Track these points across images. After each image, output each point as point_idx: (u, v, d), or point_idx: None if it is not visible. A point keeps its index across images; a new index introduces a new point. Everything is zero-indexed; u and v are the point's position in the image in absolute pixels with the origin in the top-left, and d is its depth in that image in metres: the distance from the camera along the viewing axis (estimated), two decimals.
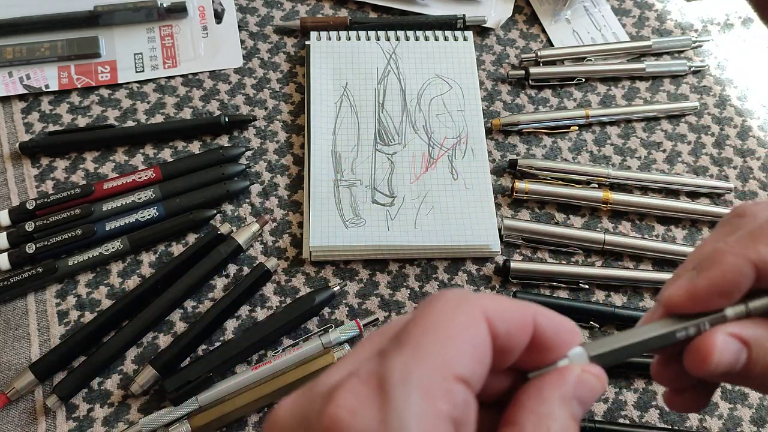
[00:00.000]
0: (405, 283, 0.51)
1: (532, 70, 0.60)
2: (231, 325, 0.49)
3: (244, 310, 0.50)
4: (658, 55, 0.63)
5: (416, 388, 0.20)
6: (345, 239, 0.51)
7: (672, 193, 0.56)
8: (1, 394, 0.46)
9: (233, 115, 0.57)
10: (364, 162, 0.55)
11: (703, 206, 0.54)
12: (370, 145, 0.56)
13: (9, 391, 0.46)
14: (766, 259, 0.26)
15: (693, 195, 0.56)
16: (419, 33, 0.61)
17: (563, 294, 0.51)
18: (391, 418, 0.19)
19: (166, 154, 0.56)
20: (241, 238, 0.51)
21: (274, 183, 0.55)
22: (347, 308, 0.50)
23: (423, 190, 0.54)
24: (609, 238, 0.52)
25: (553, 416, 0.22)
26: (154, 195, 0.53)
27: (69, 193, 0.52)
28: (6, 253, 0.50)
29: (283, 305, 0.50)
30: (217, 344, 0.48)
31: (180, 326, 0.49)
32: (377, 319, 0.49)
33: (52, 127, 0.57)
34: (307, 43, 0.61)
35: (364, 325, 0.49)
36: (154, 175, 0.54)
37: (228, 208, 0.54)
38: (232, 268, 0.52)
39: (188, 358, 0.48)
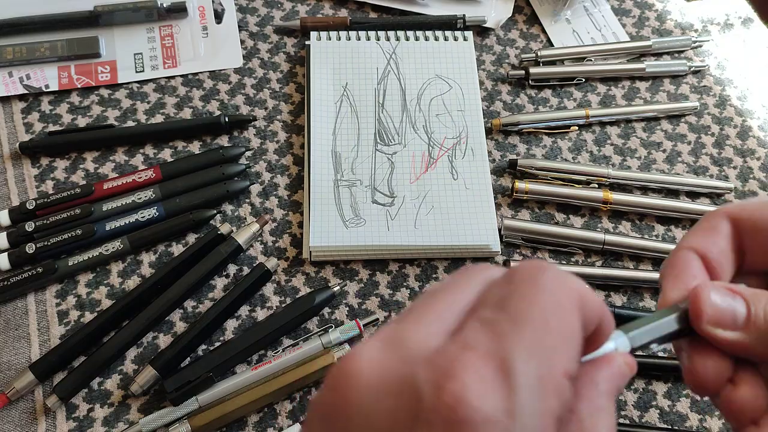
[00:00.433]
0: (405, 283, 0.51)
1: (532, 70, 0.60)
2: (231, 325, 0.49)
3: (244, 310, 0.50)
4: (658, 55, 0.63)
5: (539, 382, 0.19)
6: (345, 239, 0.51)
7: (672, 193, 0.56)
8: (1, 394, 0.46)
9: (233, 115, 0.57)
10: (364, 162, 0.55)
11: (703, 206, 0.54)
12: (370, 145, 0.56)
13: (9, 391, 0.46)
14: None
15: (693, 195, 0.56)
16: (419, 33, 0.61)
17: None
18: (517, 410, 0.18)
19: (166, 154, 0.56)
20: (241, 238, 0.51)
21: (274, 183, 0.55)
22: (347, 308, 0.50)
23: (423, 190, 0.54)
24: (609, 238, 0.52)
25: (607, 409, 0.22)
26: (154, 195, 0.53)
27: (69, 193, 0.52)
28: (6, 253, 0.50)
29: (283, 305, 0.50)
30: (217, 344, 0.48)
31: (180, 326, 0.49)
32: (377, 319, 0.49)
33: (52, 127, 0.57)
34: (307, 43, 0.61)
35: (364, 325, 0.49)
36: (154, 175, 0.54)
37: (228, 208, 0.54)
38: (232, 268, 0.52)
39: (188, 358, 0.48)
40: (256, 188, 0.55)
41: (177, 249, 0.52)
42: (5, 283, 0.49)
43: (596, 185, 0.55)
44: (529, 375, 0.18)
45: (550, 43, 0.63)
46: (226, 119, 0.56)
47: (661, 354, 0.49)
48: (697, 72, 0.62)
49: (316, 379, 0.47)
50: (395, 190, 0.54)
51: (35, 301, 0.50)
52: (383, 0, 0.64)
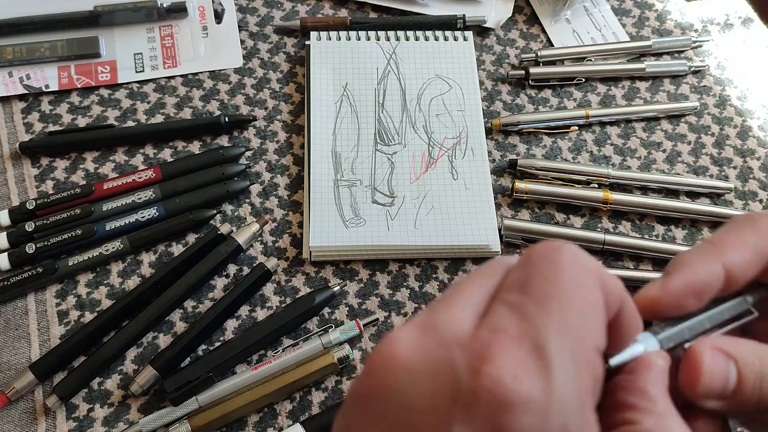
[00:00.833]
0: (405, 283, 0.51)
1: (532, 70, 0.60)
2: (231, 325, 0.49)
3: (244, 310, 0.50)
4: (658, 55, 0.63)
5: (572, 360, 0.19)
6: (345, 239, 0.51)
7: (672, 193, 0.56)
8: (1, 394, 0.46)
9: (233, 115, 0.57)
10: (364, 162, 0.55)
11: (703, 206, 0.54)
12: (370, 145, 0.56)
13: (9, 391, 0.46)
14: (735, 262, 0.25)
15: (693, 195, 0.56)
16: (419, 33, 0.61)
17: None
18: (553, 389, 0.18)
19: (166, 154, 0.56)
20: (241, 238, 0.51)
21: (274, 183, 0.55)
22: (347, 308, 0.50)
23: (423, 190, 0.54)
24: (609, 238, 0.52)
25: (670, 411, 0.22)
26: (154, 195, 0.53)
27: (69, 193, 0.52)
28: (6, 253, 0.50)
29: (283, 305, 0.50)
30: (217, 344, 0.48)
31: (180, 326, 0.49)
32: (377, 318, 0.49)
33: (52, 127, 0.57)
34: (307, 43, 0.61)
35: (364, 325, 0.49)
36: (154, 175, 0.54)
37: (228, 208, 0.54)
38: (232, 268, 0.52)
39: (188, 358, 0.48)
40: (256, 188, 0.55)
41: (177, 249, 0.52)
42: (5, 283, 0.49)
43: (596, 185, 0.55)
44: (562, 353, 0.19)
45: (550, 43, 0.63)
46: (226, 119, 0.56)
47: None
48: (697, 72, 0.62)
49: (316, 379, 0.47)
50: (395, 190, 0.54)
51: (35, 301, 0.50)
52: (383, 0, 0.64)
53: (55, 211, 0.52)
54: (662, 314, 0.25)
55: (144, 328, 0.48)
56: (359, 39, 0.60)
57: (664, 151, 0.58)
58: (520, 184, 0.54)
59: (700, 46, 0.63)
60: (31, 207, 0.52)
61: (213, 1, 0.63)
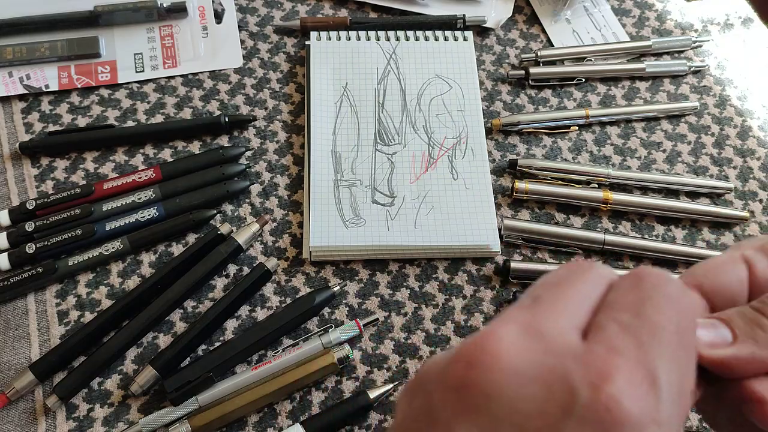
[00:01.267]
0: (405, 283, 0.51)
1: (532, 70, 0.60)
2: (231, 325, 0.49)
3: (244, 310, 0.50)
4: (658, 55, 0.63)
5: (678, 394, 0.21)
6: (345, 239, 0.51)
7: (672, 193, 0.56)
8: (1, 394, 0.46)
9: (233, 115, 0.57)
10: (364, 162, 0.55)
11: (703, 206, 0.54)
12: (370, 145, 0.56)
13: (9, 391, 0.46)
14: None
15: (693, 195, 0.56)
16: (419, 33, 0.61)
17: None
18: (661, 418, 0.20)
19: (166, 154, 0.56)
20: (241, 238, 0.51)
21: (274, 183, 0.55)
22: (347, 308, 0.50)
23: (423, 190, 0.54)
24: (609, 238, 0.52)
25: None
26: (154, 195, 0.53)
27: (69, 193, 0.52)
28: (6, 253, 0.50)
29: (283, 305, 0.50)
30: (217, 344, 0.48)
31: (180, 326, 0.49)
32: (377, 319, 0.49)
33: (52, 127, 0.57)
34: (307, 43, 0.61)
35: (364, 325, 0.49)
36: (154, 175, 0.54)
37: (228, 208, 0.54)
38: (232, 268, 0.52)
39: (188, 358, 0.48)
40: (256, 188, 0.55)
41: (177, 249, 0.52)
42: (5, 283, 0.49)
43: (596, 185, 0.55)
44: (672, 386, 0.20)
45: (550, 43, 0.63)
46: (226, 119, 0.56)
47: None
48: (697, 72, 0.62)
49: (316, 379, 0.47)
50: (395, 190, 0.54)
51: (35, 301, 0.50)
52: (383, 0, 0.64)
53: (55, 211, 0.52)
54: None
55: (144, 328, 0.48)
56: (359, 39, 0.60)
57: (664, 151, 0.58)
58: (520, 184, 0.54)
59: (700, 46, 0.63)
60: (31, 207, 0.52)
61: (213, 1, 0.63)
